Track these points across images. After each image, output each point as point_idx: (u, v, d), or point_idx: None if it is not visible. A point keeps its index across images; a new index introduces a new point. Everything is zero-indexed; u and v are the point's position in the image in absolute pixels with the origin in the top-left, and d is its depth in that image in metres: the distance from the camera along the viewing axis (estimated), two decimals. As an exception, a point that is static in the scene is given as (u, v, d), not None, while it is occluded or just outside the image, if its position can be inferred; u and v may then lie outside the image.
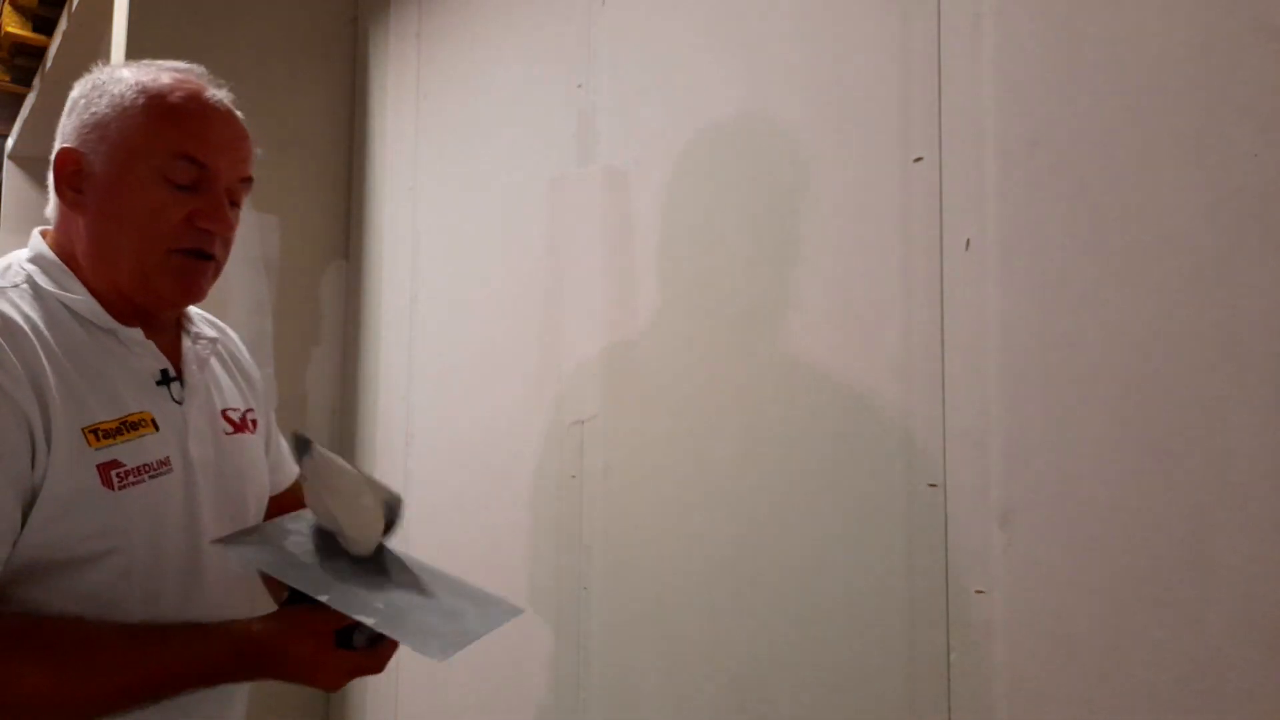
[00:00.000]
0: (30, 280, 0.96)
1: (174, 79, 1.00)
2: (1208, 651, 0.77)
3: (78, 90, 1.01)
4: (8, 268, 0.98)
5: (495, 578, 1.61)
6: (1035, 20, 0.92)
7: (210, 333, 1.10)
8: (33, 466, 0.87)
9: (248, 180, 1.03)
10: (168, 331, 1.04)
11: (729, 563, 1.19)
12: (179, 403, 1.00)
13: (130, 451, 0.93)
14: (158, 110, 0.98)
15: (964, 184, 0.96)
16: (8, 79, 4.24)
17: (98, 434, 0.91)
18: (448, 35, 1.90)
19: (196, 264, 1.00)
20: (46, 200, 1.03)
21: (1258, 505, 0.75)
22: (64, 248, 1.00)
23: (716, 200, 1.25)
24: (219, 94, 1.02)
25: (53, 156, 0.99)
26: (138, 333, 0.98)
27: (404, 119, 2.03)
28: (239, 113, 1.03)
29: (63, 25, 3.49)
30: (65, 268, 0.98)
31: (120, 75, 1.00)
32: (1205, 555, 0.77)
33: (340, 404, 2.16)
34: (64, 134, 1.00)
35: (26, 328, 0.90)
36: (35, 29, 3.86)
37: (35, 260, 0.98)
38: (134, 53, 1.99)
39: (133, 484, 0.92)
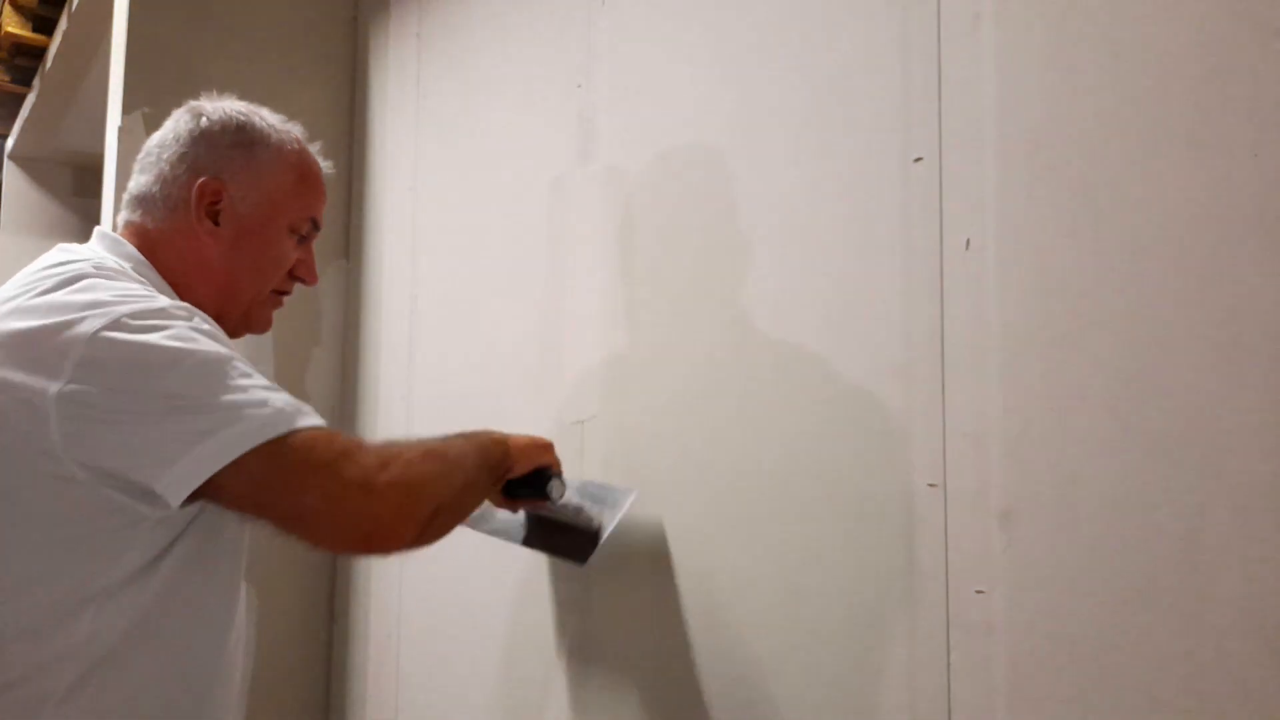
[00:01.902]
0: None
1: (306, 146, 1.16)
2: (1208, 651, 0.77)
3: (211, 122, 1.10)
4: (111, 270, 1.00)
5: (496, 577, 1.61)
6: (1035, 20, 0.92)
7: None
8: None
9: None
10: None
11: (729, 562, 1.19)
12: None
13: None
14: (307, 177, 1.14)
15: (964, 184, 0.96)
16: (8, 79, 4.23)
17: None
18: (448, 35, 1.90)
19: (279, 302, 1.17)
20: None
21: (1257, 505, 0.75)
22: (160, 257, 1.07)
23: (716, 200, 1.25)
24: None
25: (196, 183, 1.07)
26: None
27: (404, 119, 2.03)
28: None
29: (63, 25, 3.49)
30: (165, 283, 1.05)
31: (272, 126, 1.13)
32: (1205, 555, 0.77)
33: (340, 404, 2.16)
34: (200, 162, 1.08)
35: None
36: (35, 29, 3.85)
37: (138, 269, 1.04)
38: (134, 53, 1.99)
39: None
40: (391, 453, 0.96)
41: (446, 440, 1.06)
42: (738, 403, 1.20)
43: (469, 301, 1.77)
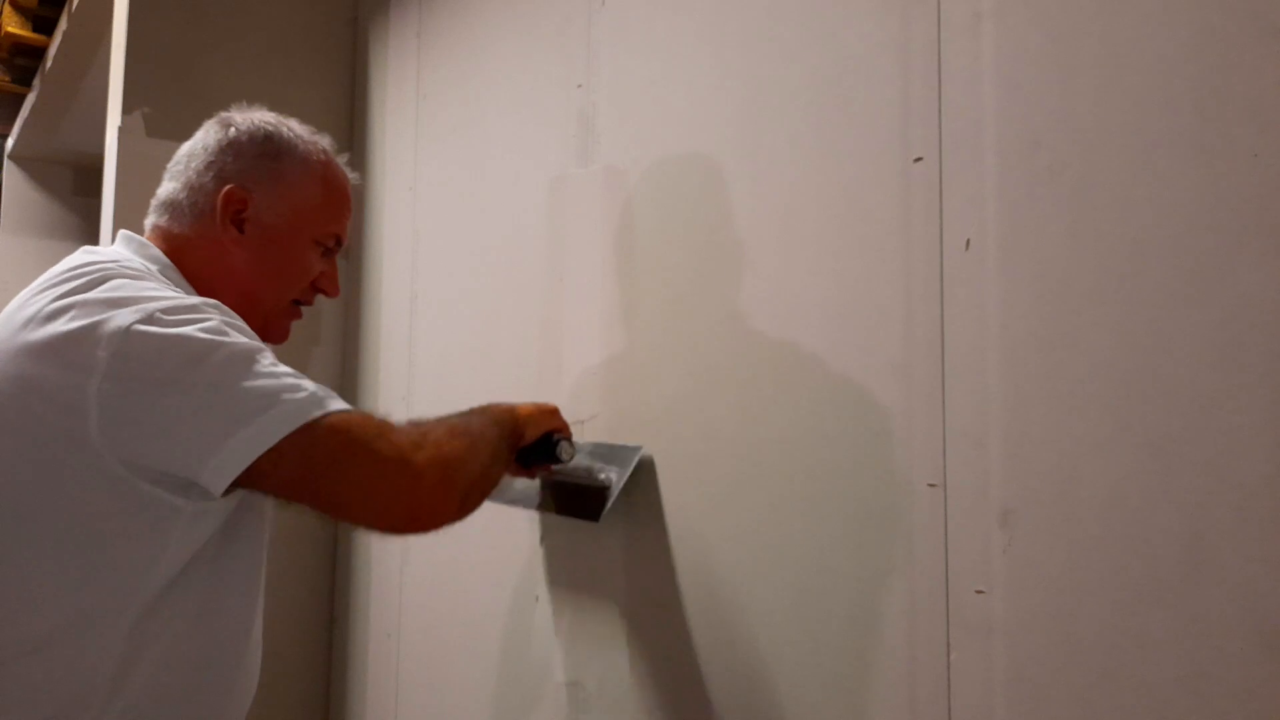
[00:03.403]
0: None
1: (335, 161, 1.19)
2: (1208, 651, 0.77)
3: (239, 132, 1.13)
4: (136, 270, 1.01)
5: (495, 578, 1.61)
6: (1035, 20, 0.92)
7: None
8: None
9: None
10: None
11: (728, 562, 1.19)
12: None
13: None
14: (334, 191, 1.18)
15: (964, 184, 0.96)
16: (8, 79, 4.23)
17: None
18: (448, 35, 1.90)
19: (298, 313, 1.19)
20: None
21: (1257, 505, 0.75)
22: (185, 261, 1.09)
23: (715, 200, 1.25)
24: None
25: (221, 191, 1.10)
26: None
27: (404, 119, 2.03)
28: None
29: (63, 25, 3.49)
30: (190, 286, 1.07)
31: (299, 137, 1.15)
32: (1205, 555, 0.77)
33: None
34: (226, 171, 1.11)
35: None
36: (35, 29, 3.86)
37: (163, 272, 1.05)
38: (134, 53, 1.99)
39: None
40: (421, 432, 0.98)
41: (465, 417, 1.07)
42: (737, 403, 1.20)
43: (469, 301, 1.77)
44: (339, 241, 1.20)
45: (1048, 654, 0.87)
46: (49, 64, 3.77)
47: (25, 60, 4.08)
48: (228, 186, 1.10)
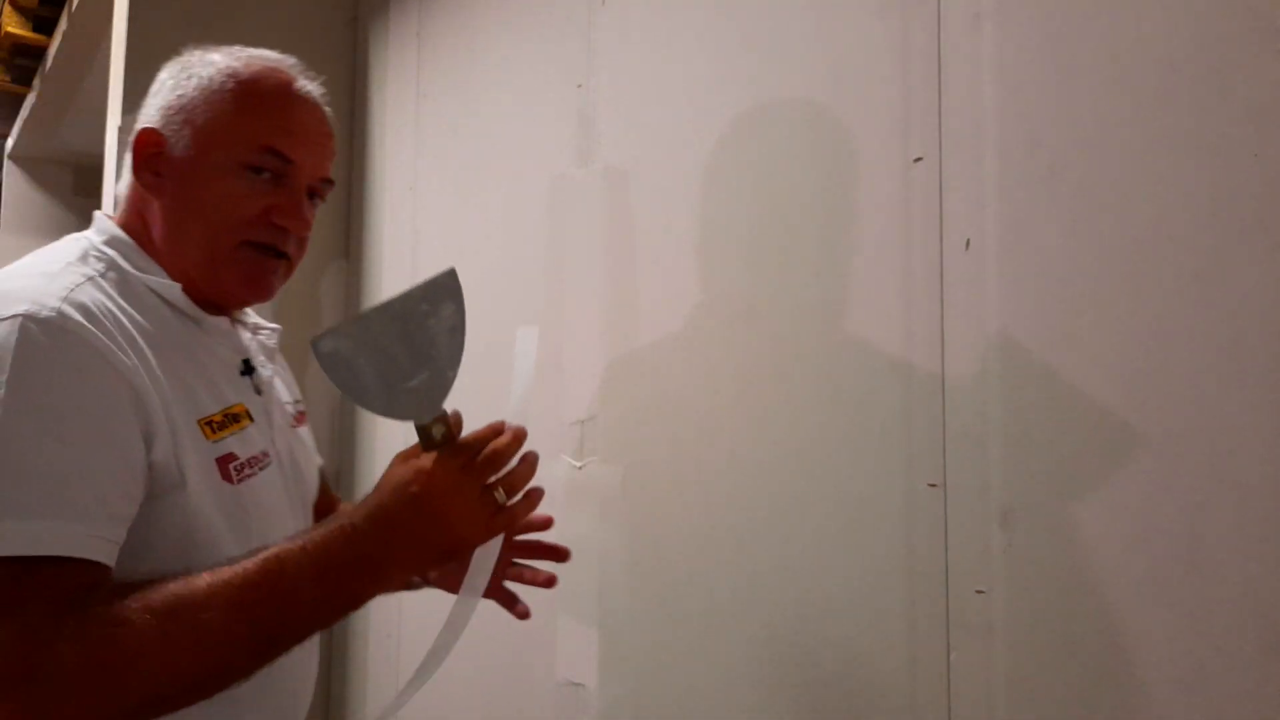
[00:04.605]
0: (114, 265, 0.88)
1: (265, 66, 0.96)
2: (1208, 651, 0.77)
3: (166, 72, 0.97)
4: (85, 255, 0.88)
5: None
6: (1035, 20, 0.92)
7: (271, 324, 1.07)
8: (151, 450, 0.80)
9: (330, 181, 1.00)
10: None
11: (729, 563, 1.19)
12: (259, 394, 0.98)
13: (240, 444, 0.89)
14: (245, 98, 0.94)
15: (964, 184, 0.96)
16: (8, 79, 4.24)
17: (212, 425, 0.87)
18: (448, 35, 1.90)
19: (267, 260, 0.95)
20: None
21: (1257, 505, 0.75)
22: (137, 231, 0.93)
23: (715, 200, 1.25)
24: (310, 86, 0.97)
25: (132, 137, 0.94)
26: (224, 321, 0.95)
27: (404, 119, 2.03)
28: (328, 109, 0.99)
29: (63, 25, 3.49)
30: (144, 252, 0.92)
31: (210, 59, 0.96)
32: (1204, 555, 0.77)
33: (340, 404, 2.16)
34: (146, 114, 0.95)
35: (124, 319, 0.83)
36: (35, 29, 3.86)
37: (112, 244, 0.90)
38: (134, 52, 1.99)
39: (247, 477, 0.89)
40: (122, 615, 0.73)
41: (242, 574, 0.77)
42: (737, 402, 1.20)
43: (469, 301, 1.76)
44: (282, 158, 0.93)
45: (1048, 654, 0.87)
46: (49, 64, 3.77)
47: (25, 60, 4.08)
48: (138, 128, 0.94)
